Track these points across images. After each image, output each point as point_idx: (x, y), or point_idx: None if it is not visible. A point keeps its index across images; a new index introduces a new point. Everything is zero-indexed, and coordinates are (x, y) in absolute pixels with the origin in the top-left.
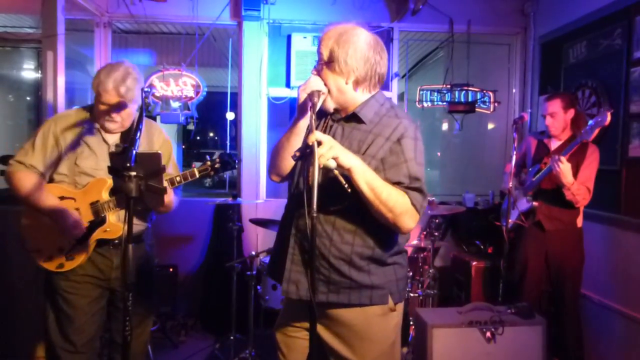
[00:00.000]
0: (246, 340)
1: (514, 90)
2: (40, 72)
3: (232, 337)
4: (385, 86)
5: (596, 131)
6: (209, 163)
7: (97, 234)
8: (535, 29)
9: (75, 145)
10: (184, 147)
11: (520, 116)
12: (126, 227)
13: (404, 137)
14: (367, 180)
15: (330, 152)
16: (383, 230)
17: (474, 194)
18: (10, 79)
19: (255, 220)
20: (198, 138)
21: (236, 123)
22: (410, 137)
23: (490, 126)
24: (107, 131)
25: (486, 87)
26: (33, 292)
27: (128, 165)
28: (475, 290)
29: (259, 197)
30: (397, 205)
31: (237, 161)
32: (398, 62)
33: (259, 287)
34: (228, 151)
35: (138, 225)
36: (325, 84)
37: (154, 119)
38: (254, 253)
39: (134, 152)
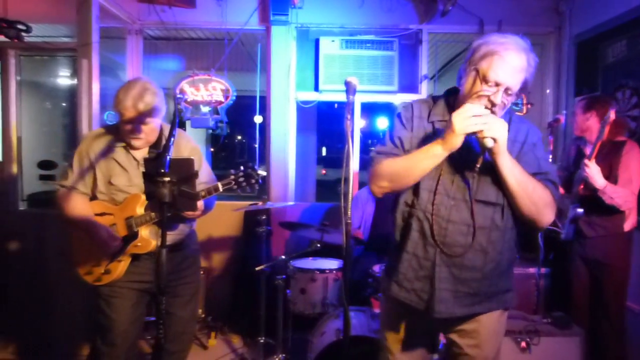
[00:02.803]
0: (275, 345)
1: (547, 91)
2: (75, 79)
3: (261, 341)
4: (413, 88)
5: (606, 130)
6: (232, 177)
7: (130, 249)
8: (570, 28)
9: (107, 164)
10: (212, 150)
11: (556, 118)
12: (160, 233)
13: (534, 139)
14: (514, 170)
15: (496, 131)
16: (522, 233)
17: None
18: (46, 87)
19: (284, 223)
20: (226, 141)
21: (264, 127)
22: (539, 137)
23: None
24: (133, 148)
25: None
26: (74, 294)
27: (162, 170)
28: None
29: (288, 200)
30: (541, 198)
31: (260, 180)
32: (427, 64)
33: (288, 291)
34: (257, 154)
35: (176, 235)
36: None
37: (184, 124)
38: (283, 257)
39: (168, 157)
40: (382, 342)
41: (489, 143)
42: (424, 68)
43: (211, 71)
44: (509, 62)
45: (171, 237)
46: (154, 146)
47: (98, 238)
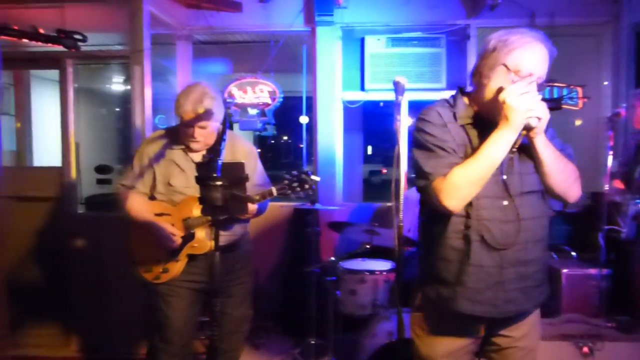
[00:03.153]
0: (326, 345)
1: (605, 83)
2: (128, 85)
3: (312, 342)
4: (462, 85)
5: None
6: (286, 182)
7: (187, 249)
8: (629, 16)
9: (166, 166)
10: (259, 151)
11: (616, 112)
12: (214, 235)
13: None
14: (550, 148)
15: (540, 109)
16: (581, 232)
17: None
18: (101, 93)
19: (333, 224)
20: (272, 142)
21: (311, 127)
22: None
23: (578, 123)
24: (192, 151)
25: (573, 82)
26: (131, 294)
27: (214, 175)
28: (567, 301)
29: (336, 200)
30: (572, 172)
31: (313, 186)
32: (475, 60)
33: (338, 292)
34: (304, 154)
35: (230, 236)
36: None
37: (232, 126)
38: (333, 258)
39: (219, 162)
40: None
41: (534, 122)
42: (473, 64)
43: (258, 74)
44: (538, 52)
45: (225, 238)
46: (212, 149)
47: (158, 235)
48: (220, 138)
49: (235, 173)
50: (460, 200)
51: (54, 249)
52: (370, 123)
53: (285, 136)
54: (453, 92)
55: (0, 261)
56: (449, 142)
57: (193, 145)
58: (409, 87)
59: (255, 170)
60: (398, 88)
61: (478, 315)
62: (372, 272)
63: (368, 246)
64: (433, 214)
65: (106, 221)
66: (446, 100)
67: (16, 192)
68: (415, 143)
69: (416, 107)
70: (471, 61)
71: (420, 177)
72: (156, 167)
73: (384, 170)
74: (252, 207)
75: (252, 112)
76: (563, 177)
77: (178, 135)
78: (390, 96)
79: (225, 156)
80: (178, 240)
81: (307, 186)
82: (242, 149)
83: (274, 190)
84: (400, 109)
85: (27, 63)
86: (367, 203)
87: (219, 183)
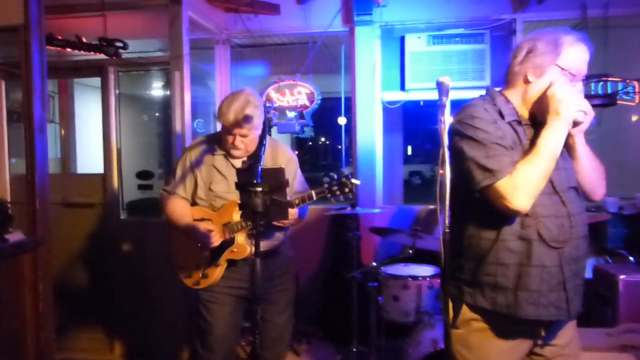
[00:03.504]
0: (368, 353)
1: None
2: (167, 90)
3: (354, 349)
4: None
5: None
6: (326, 186)
7: (227, 254)
8: None
9: (207, 171)
10: (296, 153)
11: None
12: (254, 241)
13: None
14: (586, 145)
15: (585, 105)
16: None
17: (617, 198)
18: (142, 99)
19: (374, 229)
20: (310, 143)
21: (350, 128)
22: None
23: (634, 119)
24: (233, 157)
25: (629, 76)
26: (174, 299)
27: (254, 181)
28: (625, 309)
29: (376, 203)
30: (602, 170)
31: (354, 189)
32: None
33: (380, 298)
34: (343, 156)
35: (271, 242)
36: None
37: (270, 130)
38: (374, 264)
39: (260, 168)
40: None
41: (581, 116)
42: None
43: (296, 76)
44: (586, 51)
45: (266, 244)
46: (252, 155)
47: (196, 236)
48: (261, 143)
49: (276, 179)
50: (531, 199)
51: (98, 254)
52: (411, 123)
53: (323, 137)
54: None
55: (50, 267)
56: (505, 138)
57: (234, 152)
58: (452, 86)
59: (295, 177)
60: (442, 89)
61: (542, 320)
62: (415, 277)
63: (411, 251)
64: (484, 217)
65: (148, 226)
66: (484, 98)
67: (61, 199)
68: (466, 141)
69: (459, 107)
70: None
71: (477, 178)
72: (198, 173)
73: (442, 171)
74: (293, 212)
75: (290, 114)
76: (595, 175)
77: (220, 141)
78: (431, 95)
79: (266, 162)
80: (216, 238)
81: (347, 190)
82: (282, 155)
83: (313, 194)
84: (445, 111)
85: (70, 72)
86: (409, 206)
87: (259, 189)
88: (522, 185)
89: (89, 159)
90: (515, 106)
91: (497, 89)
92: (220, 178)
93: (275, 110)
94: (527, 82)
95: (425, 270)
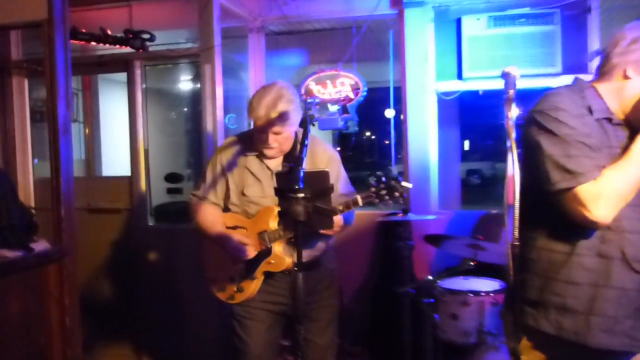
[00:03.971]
0: None
1: None
2: (197, 83)
3: None
4: (582, 68)
5: None
6: (373, 190)
7: (263, 266)
8: None
9: (240, 174)
10: (338, 149)
11: None
12: (295, 253)
13: None
14: None
15: None
16: None
17: None
18: (170, 94)
19: (429, 237)
20: (355, 139)
21: (399, 122)
22: None
23: None
24: (267, 157)
25: None
26: (205, 312)
27: (296, 186)
28: None
29: (431, 207)
30: None
31: (404, 194)
32: (599, 37)
33: (436, 315)
34: (392, 153)
35: (312, 252)
36: None
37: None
38: (430, 277)
39: (301, 171)
40: None
41: None
42: (595, 42)
43: (338, 65)
44: None
45: (307, 254)
46: (288, 156)
47: (227, 246)
48: (302, 144)
49: (319, 183)
50: (614, 210)
51: (125, 263)
52: (468, 116)
53: (369, 132)
54: (571, 78)
55: (76, 279)
56: (592, 137)
57: (267, 152)
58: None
59: (338, 178)
60: (509, 80)
61: (613, 351)
62: (476, 293)
63: (471, 262)
64: (557, 226)
65: (178, 233)
66: (570, 88)
67: (86, 204)
68: (545, 135)
69: (525, 97)
70: (593, 39)
71: (554, 178)
72: (229, 176)
73: None
74: (338, 220)
75: (333, 108)
76: None
77: (252, 140)
78: (491, 85)
79: (305, 164)
80: (250, 249)
81: (396, 194)
82: (322, 154)
83: (359, 199)
84: (511, 106)
85: (95, 67)
86: (468, 210)
87: (301, 195)
88: (607, 194)
89: (115, 160)
90: (607, 103)
91: (588, 79)
92: (253, 181)
93: (318, 106)
94: (626, 77)
95: (488, 285)
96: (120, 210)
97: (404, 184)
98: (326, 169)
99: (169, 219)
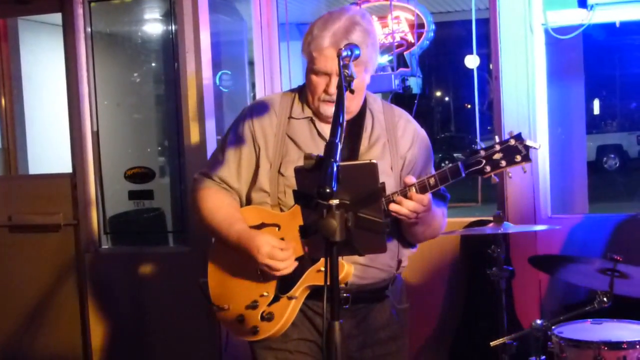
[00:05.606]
0: None
1: None
2: (172, 24)
3: None
4: None
5: None
6: (483, 152)
7: (308, 277)
8: None
9: (278, 147)
10: None
11: None
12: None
13: None
14: None
15: None
16: None
17: None
18: (130, 44)
19: (536, 259)
20: (418, 102)
21: (486, 74)
22: None
23: None
24: (324, 119)
25: None
26: None
27: (327, 189)
28: None
29: (541, 214)
30: None
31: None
32: None
33: None
34: (477, 122)
35: (372, 277)
36: None
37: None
38: (539, 322)
39: (335, 165)
40: None
41: None
42: None
43: None
44: None
45: (360, 278)
46: (353, 126)
47: (251, 250)
48: (337, 120)
49: (364, 182)
50: None
51: (66, 309)
52: (597, 64)
53: (439, 92)
54: None
55: None
56: None
57: (326, 108)
58: None
59: (427, 166)
60: None
61: None
62: (615, 345)
63: (605, 298)
64: None
65: (148, 259)
66: None
67: (5, 218)
68: None
69: None
70: None
71: None
72: (262, 150)
73: None
74: (422, 200)
75: (383, 60)
76: None
77: (301, 97)
78: (633, 15)
79: (364, 151)
80: (291, 260)
81: (518, 158)
82: (407, 131)
83: (460, 167)
84: None
85: (13, 6)
86: (599, 214)
87: (336, 202)
88: None
89: (48, 149)
90: None
91: None
92: (297, 155)
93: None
94: None
95: (633, 332)
96: (58, 227)
97: (529, 142)
98: (373, 161)
99: (133, 239)
